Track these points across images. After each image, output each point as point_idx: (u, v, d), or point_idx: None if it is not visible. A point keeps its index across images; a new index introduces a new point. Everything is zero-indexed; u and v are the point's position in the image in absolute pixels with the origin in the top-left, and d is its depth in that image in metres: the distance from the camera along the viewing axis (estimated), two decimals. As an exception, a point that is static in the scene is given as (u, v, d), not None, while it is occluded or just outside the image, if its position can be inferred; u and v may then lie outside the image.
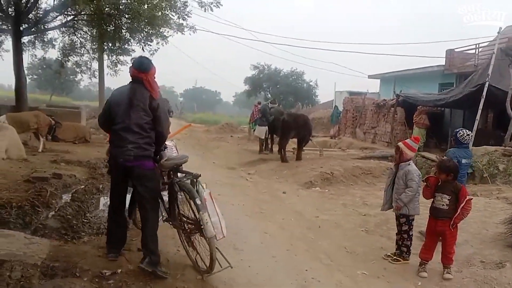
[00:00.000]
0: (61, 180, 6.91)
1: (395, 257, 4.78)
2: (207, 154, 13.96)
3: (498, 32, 14.22)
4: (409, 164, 4.79)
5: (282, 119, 11.95)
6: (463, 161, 5.50)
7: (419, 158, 14.21)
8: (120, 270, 3.82)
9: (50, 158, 9.04)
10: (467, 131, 5.84)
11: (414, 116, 16.43)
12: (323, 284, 4.02)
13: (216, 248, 3.78)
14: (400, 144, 4.94)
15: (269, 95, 39.79)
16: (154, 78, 3.97)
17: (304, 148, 12.55)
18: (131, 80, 3.96)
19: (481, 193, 8.38)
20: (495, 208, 6.90)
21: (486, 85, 12.20)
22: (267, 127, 13.53)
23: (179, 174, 4.21)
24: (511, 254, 4.82)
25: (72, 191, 6.66)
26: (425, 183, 4.58)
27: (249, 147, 15.42)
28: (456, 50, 19.44)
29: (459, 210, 4.26)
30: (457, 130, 5.89)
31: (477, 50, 18.23)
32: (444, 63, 19.55)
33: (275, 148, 13.51)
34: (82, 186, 7.03)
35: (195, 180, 3.95)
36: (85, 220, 5.45)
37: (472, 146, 11.79)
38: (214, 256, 3.71)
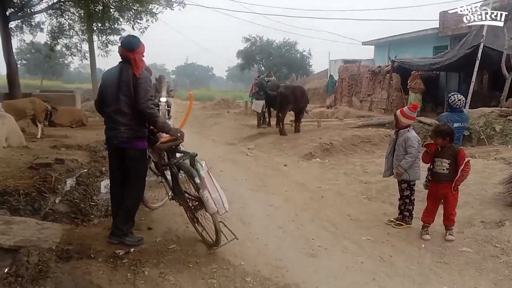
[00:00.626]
0: (64, 165, 6.95)
1: (398, 222, 4.91)
2: (205, 131, 14.00)
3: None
4: (408, 131, 4.85)
5: (279, 92, 11.93)
6: (455, 125, 5.59)
7: (416, 123, 14.31)
8: (132, 249, 3.93)
9: (50, 143, 9.07)
10: (459, 96, 5.96)
11: (409, 81, 16.40)
12: (330, 251, 4.14)
13: (221, 222, 3.90)
14: (397, 112, 5.02)
15: (262, 68, 39.55)
16: (143, 56, 3.95)
17: (302, 119, 12.59)
18: (120, 60, 3.96)
19: (479, 154, 8.51)
20: (493, 169, 7.03)
21: (481, 46, 12.16)
22: (264, 101, 13.52)
23: (177, 154, 4.28)
24: (510, 213, 4.95)
25: (76, 175, 6.71)
26: (425, 150, 4.66)
27: (247, 121, 15.45)
28: (449, 11, 19.24)
29: (459, 173, 4.35)
30: (450, 95, 6.00)
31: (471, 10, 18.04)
32: (438, 26, 19.39)
33: (273, 121, 13.55)
34: (85, 170, 7.08)
35: (193, 159, 4.00)
36: (93, 203, 5.54)
37: (469, 108, 11.88)
38: (219, 230, 3.81)
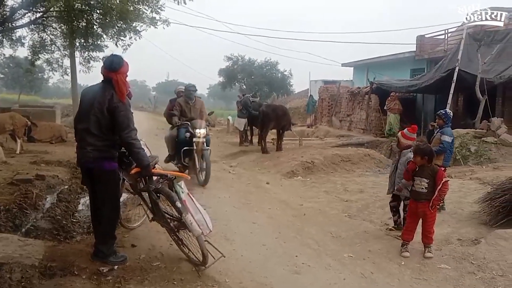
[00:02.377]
0: (45, 181, 6.85)
1: (390, 227, 5.33)
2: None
3: (466, 18, 14.72)
4: (410, 151, 5.08)
5: (261, 111, 12.09)
6: (452, 138, 6.23)
7: (393, 143, 14.66)
8: (116, 266, 3.91)
9: (29, 159, 8.92)
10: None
11: (387, 102, 16.84)
12: (313, 268, 4.21)
13: (206, 241, 3.88)
14: (398, 133, 5.44)
15: (244, 86, 39.81)
16: (126, 76, 3.85)
17: (283, 138, 12.75)
18: (102, 79, 3.88)
19: (455, 174, 8.78)
20: (469, 189, 7.27)
21: (456, 69, 12.66)
22: (246, 119, 13.66)
23: (154, 178, 4.09)
24: (485, 231, 5.15)
25: (57, 191, 6.62)
26: (406, 167, 4.89)
27: (229, 139, 15.52)
28: (426, 36, 19.96)
29: (436, 193, 4.51)
30: (444, 111, 6.39)
31: (446, 35, 18.79)
32: (415, 49, 20.05)
33: (255, 139, 13.67)
34: (66, 186, 7.00)
35: (171, 182, 3.94)
36: (75, 220, 5.48)
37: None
38: (205, 252, 3.78)
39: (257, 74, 41.25)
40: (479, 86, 12.33)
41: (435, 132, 6.41)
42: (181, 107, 7.98)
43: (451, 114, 6.49)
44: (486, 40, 14.96)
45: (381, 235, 5.32)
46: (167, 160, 8.13)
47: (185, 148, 7.53)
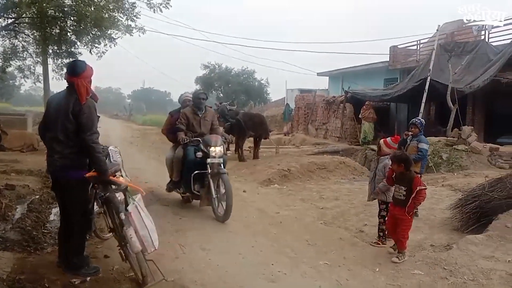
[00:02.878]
0: (15, 191, 6.68)
1: (375, 241, 5.28)
2: (163, 157, 13.71)
3: (437, 29, 15.18)
4: (387, 159, 5.23)
5: (238, 119, 12.11)
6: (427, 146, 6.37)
7: (368, 151, 14.91)
8: (89, 278, 3.83)
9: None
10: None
11: (362, 111, 17.15)
12: (289, 276, 4.21)
13: (151, 260, 3.71)
14: (381, 141, 5.52)
15: (221, 95, 39.84)
16: (89, 81, 3.83)
17: (260, 146, 12.78)
18: (67, 85, 3.87)
19: (427, 181, 8.94)
20: (441, 195, 7.45)
21: (428, 79, 13.02)
22: (223, 128, 13.61)
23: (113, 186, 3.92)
24: (457, 236, 5.28)
25: (28, 201, 6.44)
26: (385, 174, 5.03)
27: (205, 147, 15.40)
28: (399, 46, 20.47)
29: (410, 201, 4.61)
30: (420, 118, 6.54)
31: (418, 46, 19.33)
32: (388, 60, 20.54)
33: (232, 147, 13.64)
34: (37, 196, 6.81)
35: (124, 193, 3.82)
36: (46, 231, 5.32)
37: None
38: (143, 271, 3.60)
39: (234, 82, 41.31)
40: (450, 95, 12.70)
41: (409, 140, 6.49)
42: (187, 119, 6.53)
43: (424, 122, 6.66)
44: (456, 51, 15.45)
45: (356, 242, 5.39)
46: (170, 189, 6.86)
47: (196, 172, 6.08)
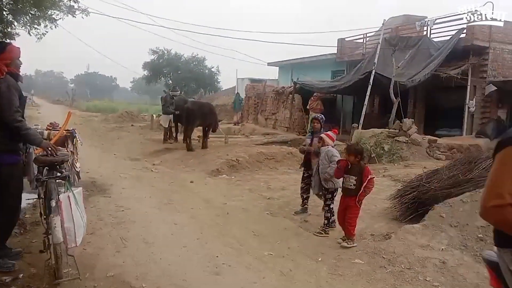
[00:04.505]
0: None
1: (318, 231, 5.39)
2: (106, 145, 13.33)
3: (383, 23, 15.65)
4: (327, 148, 5.55)
5: (186, 108, 11.89)
6: None
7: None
8: (21, 274, 3.62)
9: None
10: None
11: (310, 102, 17.43)
12: (234, 268, 4.20)
13: (72, 256, 3.57)
14: (323, 135, 5.73)
15: (170, 81, 38.99)
16: (7, 61, 3.68)
17: (209, 135, 12.65)
18: None
19: (370, 172, 9.28)
20: (382, 185, 7.73)
21: (373, 73, 13.41)
22: (171, 116, 13.34)
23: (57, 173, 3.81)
24: (396, 226, 5.50)
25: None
26: (337, 166, 5.12)
27: (153, 136, 15.08)
28: (346, 39, 20.92)
29: (362, 189, 4.82)
30: (320, 114, 6.84)
31: (364, 39, 19.84)
32: (336, 52, 20.95)
33: (180, 136, 13.42)
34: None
35: (63, 180, 3.70)
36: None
37: (361, 128, 12.97)
38: (59, 265, 3.42)
39: (184, 69, 40.55)
40: (393, 88, 13.17)
41: (313, 135, 6.34)
42: None
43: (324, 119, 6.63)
44: (400, 45, 16.02)
45: (300, 232, 5.47)
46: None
47: None
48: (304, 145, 6.52)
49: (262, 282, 3.94)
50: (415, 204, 5.71)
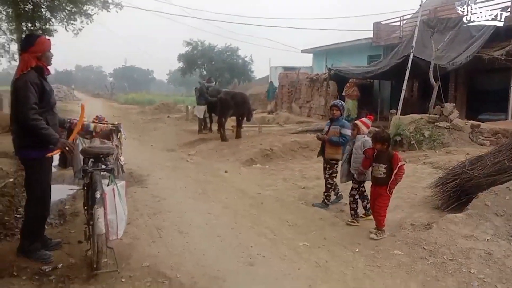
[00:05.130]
0: (-15, 175, 6.44)
1: (350, 220, 5.28)
2: (143, 137, 13.60)
3: (420, 5, 15.01)
4: (364, 137, 5.32)
5: (220, 98, 11.91)
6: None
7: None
8: (61, 264, 3.71)
9: (-28, 152, 8.39)
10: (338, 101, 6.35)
11: (346, 88, 17.03)
12: (268, 258, 4.14)
13: (111, 248, 3.61)
14: (357, 122, 5.50)
15: (204, 72, 39.30)
16: (38, 54, 3.67)
17: (243, 125, 12.63)
18: None
19: (409, 159, 8.97)
20: (422, 173, 7.45)
21: (411, 56, 12.90)
22: (205, 106, 13.43)
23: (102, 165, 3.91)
24: (437, 215, 5.26)
25: (1, 185, 6.23)
26: (364, 156, 4.96)
27: (188, 127, 15.23)
28: (382, 23, 20.27)
29: (393, 177, 4.63)
30: (340, 101, 6.45)
31: (401, 22, 19.14)
32: (371, 36, 20.35)
33: (214, 127, 13.48)
34: (11, 180, 6.60)
35: (109, 173, 3.75)
36: (18, 216, 5.14)
37: (400, 114, 12.55)
38: (99, 256, 3.44)
39: (218, 60, 40.73)
40: (433, 72, 12.64)
41: (331, 123, 6.05)
42: None
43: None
44: (439, 27, 15.33)
45: (336, 222, 5.34)
46: None
47: None
48: (322, 133, 6.25)
49: (296, 273, 3.86)
50: (457, 193, 5.44)
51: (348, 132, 5.80)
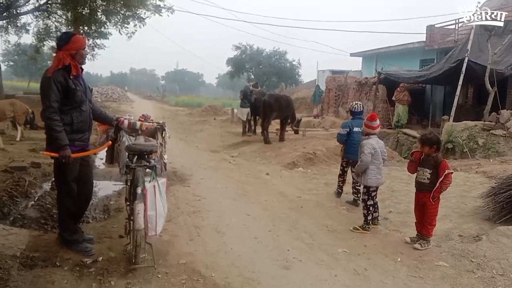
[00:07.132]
0: (40, 169, 6.81)
1: (355, 227, 5.13)
2: (190, 137, 13.88)
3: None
4: (369, 138, 5.19)
5: (263, 100, 11.92)
6: (355, 129, 6.17)
7: (400, 135, 14.41)
8: (101, 257, 3.82)
9: (29, 146, 8.89)
10: (358, 102, 6.54)
11: (396, 93, 16.50)
12: (305, 263, 4.06)
13: (149, 244, 3.67)
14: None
15: (252, 76, 39.55)
16: (73, 52, 3.72)
17: (287, 128, 12.56)
18: None
19: (461, 167, 8.53)
20: (474, 182, 7.05)
21: (466, 60, 12.29)
22: (249, 109, 13.49)
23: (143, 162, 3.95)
24: (488, 227, 4.95)
25: (52, 179, 6.55)
26: (410, 158, 4.77)
27: (233, 129, 15.37)
28: (436, 25, 19.50)
29: (438, 184, 4.39)
30: (358, 102, 6.52)
31: (456, 25, 18.29)
32: (424, 39, 19.62)
33: (258, 129, 13.50)
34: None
35: (151, 170, 3.80)
36: (66, 209, 5.38)
37: (453, 121, 11.98)
38: (137, 251, 3.54)
39: (266, 63, 40.81)
40: (489, 77, 11.97)
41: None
42: None
43: (360, 107, 6.38)
44: (497, 30, 14.50)
45: (379, 230, 5.15)
46: None
47: None
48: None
49: (333, 280, 3.75)
50: (510, 204, 5.08)
51: (341, 131, 6.33)
